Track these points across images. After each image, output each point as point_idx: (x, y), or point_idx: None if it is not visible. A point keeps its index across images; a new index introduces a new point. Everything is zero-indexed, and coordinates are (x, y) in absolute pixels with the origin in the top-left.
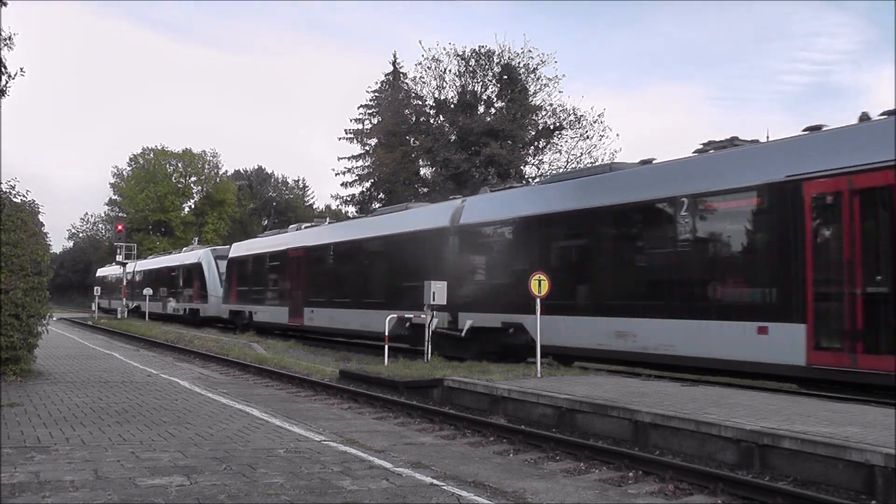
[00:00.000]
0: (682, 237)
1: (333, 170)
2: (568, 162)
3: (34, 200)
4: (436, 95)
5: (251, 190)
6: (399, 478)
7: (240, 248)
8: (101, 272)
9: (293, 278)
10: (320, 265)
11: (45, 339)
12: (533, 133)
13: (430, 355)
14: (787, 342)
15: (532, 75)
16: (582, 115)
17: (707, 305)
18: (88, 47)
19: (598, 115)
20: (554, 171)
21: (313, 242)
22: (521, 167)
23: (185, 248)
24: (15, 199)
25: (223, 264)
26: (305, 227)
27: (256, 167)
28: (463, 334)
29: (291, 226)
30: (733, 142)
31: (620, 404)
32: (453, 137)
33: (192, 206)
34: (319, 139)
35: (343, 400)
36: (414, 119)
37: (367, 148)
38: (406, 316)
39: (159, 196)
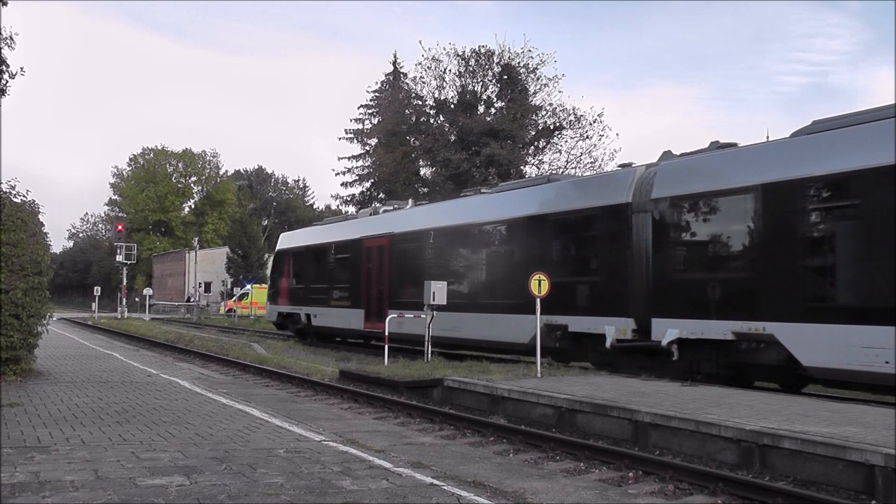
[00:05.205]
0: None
1: (333, 170)
2: (568, 162)
3: (34, 200)
4: (436, 95)
5: (251, 190)
6: (399, 478)
7: None
8: (300, 237)
9: None
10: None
11: (45, 339)
12: (533, 133)
13: (429, 355)
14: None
15: (532, 75)
16: (582, 115)
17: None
18: (89, 48)
19: (598, 115)
20: (553, 171)
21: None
22: (522, 167)
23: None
24: (15, 199)
25: None
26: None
27: (256, 167)
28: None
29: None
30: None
31: (620, 404)
32: (453, 137)
33: (192, 206)
34: (319, 139)
35: (343, 400)
36: (414, 119)
37: (367, 148)
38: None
39: (159, 196)
